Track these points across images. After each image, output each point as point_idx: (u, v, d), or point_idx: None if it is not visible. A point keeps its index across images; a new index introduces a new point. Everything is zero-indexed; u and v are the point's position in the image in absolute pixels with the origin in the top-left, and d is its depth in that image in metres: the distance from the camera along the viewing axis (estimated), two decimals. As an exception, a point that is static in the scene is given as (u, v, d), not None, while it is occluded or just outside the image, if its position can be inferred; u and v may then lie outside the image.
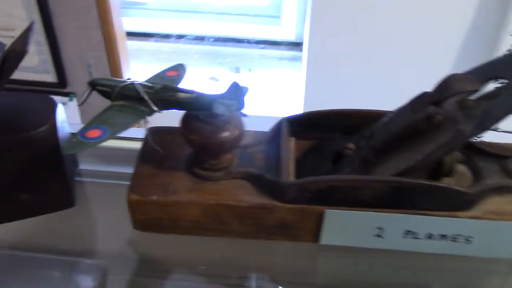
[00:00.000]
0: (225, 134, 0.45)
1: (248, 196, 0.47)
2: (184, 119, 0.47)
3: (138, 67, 1.42)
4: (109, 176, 0.58)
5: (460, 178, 0.48)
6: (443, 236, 0.47)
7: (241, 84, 0.43)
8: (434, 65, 1.26)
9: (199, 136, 0.45)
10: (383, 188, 0.45)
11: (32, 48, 1.24)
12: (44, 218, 0.52)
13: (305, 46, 1.36)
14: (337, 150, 0.50)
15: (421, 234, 0.47)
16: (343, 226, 0.47)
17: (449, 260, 0.49)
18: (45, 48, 1.24)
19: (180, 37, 1.51)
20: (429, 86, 0.46)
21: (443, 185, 0.45)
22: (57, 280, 0.48)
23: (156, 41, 1.52)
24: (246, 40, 1.51)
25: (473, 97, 0.45)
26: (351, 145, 0.48)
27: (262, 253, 0.51)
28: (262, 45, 1.51)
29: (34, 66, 1.28)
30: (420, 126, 0.44)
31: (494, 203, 0.47)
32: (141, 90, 0.46)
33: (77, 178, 0.56)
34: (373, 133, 0.48)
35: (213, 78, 1.46)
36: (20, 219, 0.51)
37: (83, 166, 0.58)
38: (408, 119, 0.45)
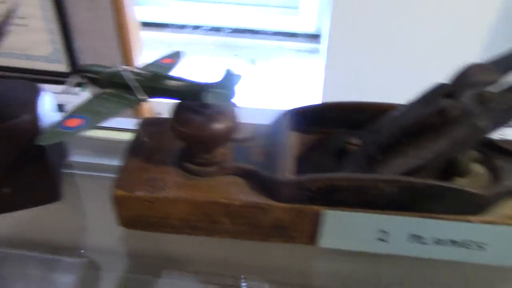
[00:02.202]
0: (217, 126, 0.42)
1: (241, 194, 0.43)
2: (174, 109, 0.43)
3: (152, 58, 1.39)
4: (101, 168, 0.55)
5: (475, 179, 0.44)
6: (453, 242, 0.43)
7: (236, 71, 0.40)
8: (461, 57, 1.20)
9: (189, 127, 0.42)
10: (389, 188, 0.40)
11: (45, 36, 1.22)
12: (30, 211, 0.49)
13: (325, 39, 1.31)
14: (341, 146, 0.46)
15: (429, 239, 0.43)
16: (343, 229, 0.43)
17: (460, 267, 0.45)
18: (58, 37, 1.22)
19: (196, 27, 1.47)
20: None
21: (454, 186, 0.40)
22: (39, 278, 0.46)
23: (171, 31, 1.48)
24: (263, 32, 1.46)
25: (494, 89, 0.40)
26: (355, 140, 0.44)
27: (257, 253, 0.47)
28: (280, 37, 1.47)
29: (47, 55, 1.26)
30: (432, 121, 0.40)
31: (512, 207, 0.42)
32: (128, 77, 0.43)
33: (67, 170, 0.54)
34: (380, 128, 0.44)
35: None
36: (2, 213, 0.48)
37: (74, 158, 0.55)
38: (419, 113, 0.41)
